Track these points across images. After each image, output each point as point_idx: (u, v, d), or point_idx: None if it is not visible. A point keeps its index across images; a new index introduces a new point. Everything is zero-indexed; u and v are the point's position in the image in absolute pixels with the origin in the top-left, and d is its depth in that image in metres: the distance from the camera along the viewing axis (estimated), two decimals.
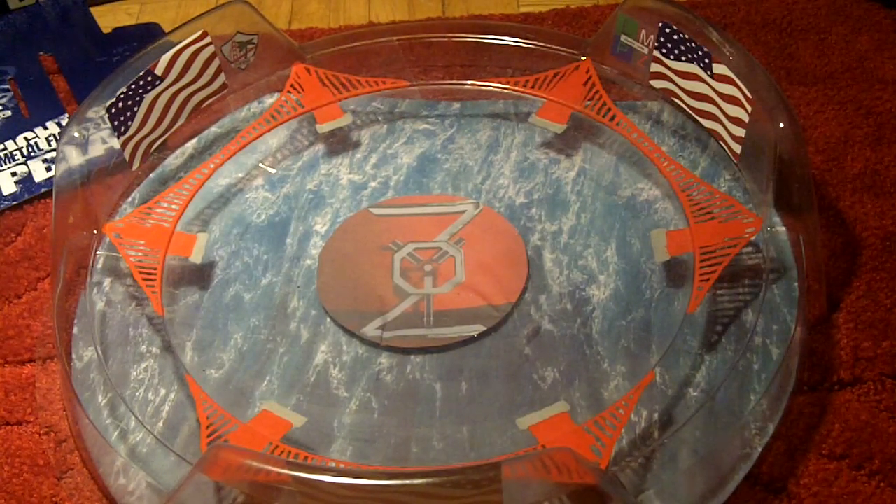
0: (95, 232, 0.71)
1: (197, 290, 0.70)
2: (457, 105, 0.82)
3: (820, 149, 0.77)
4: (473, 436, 0.61)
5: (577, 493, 0.54)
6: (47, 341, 0.68)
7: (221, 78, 0.77)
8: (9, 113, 0.85)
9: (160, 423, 0.62)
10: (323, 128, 0.78)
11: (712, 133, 0.72)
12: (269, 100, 0.83)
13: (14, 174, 0.80)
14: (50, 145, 0.82)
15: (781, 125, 0.63)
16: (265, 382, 0.64)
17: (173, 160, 0.80)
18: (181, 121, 0.76)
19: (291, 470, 0.49)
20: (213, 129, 0.82)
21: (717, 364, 0.63)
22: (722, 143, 0.71)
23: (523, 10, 0.94)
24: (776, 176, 0.64)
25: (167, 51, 0.72)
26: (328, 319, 0.68)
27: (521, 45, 0.81)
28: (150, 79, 0.71)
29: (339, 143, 0.80)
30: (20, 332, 0.69)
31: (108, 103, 0.69)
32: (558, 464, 0.50)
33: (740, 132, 0.67)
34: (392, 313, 0.67)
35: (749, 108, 0.65)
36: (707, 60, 0.68)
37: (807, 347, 0.63)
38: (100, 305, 0.69)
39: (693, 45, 0.69)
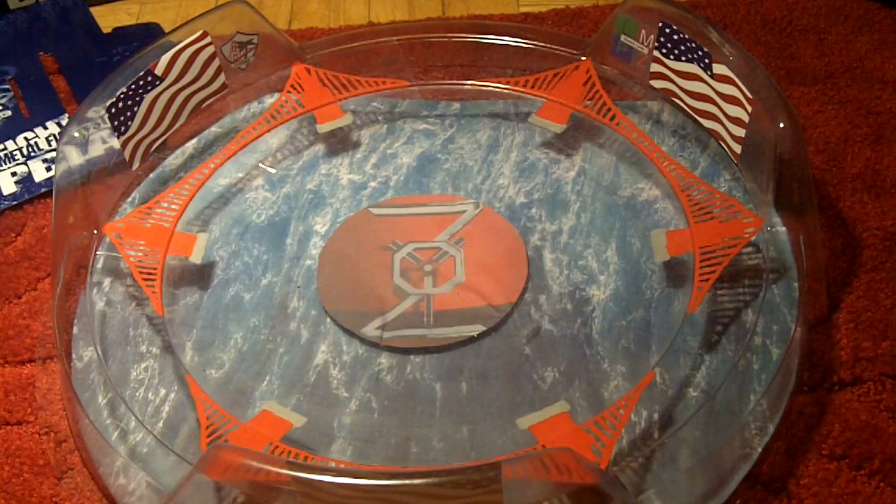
0: (95, 232, 0.71)
1: (197, 290, 0.70)
2: (457, 105, 0.82)
3: (820, 149, 0.77)
4: (473, 436, 0.61)
5: (577, 493, 0.54)
6: (47, 341, 0.68)
7: (221, 78, 0.77)
8: (9, 113, 0.85)
9: (160, 423, 0.62)
10: (323, 128, 0.78)
11: (712, 133, 0.72)
12: (269, 100, 0.83)
13: (14, 174, 0.80)
14: (50, 145, 0.82)
15: (781, 125, 0.63)
16: (265, 382, 0.64)
17: (173, 160, 0.80)
18: (181, 121, 0.76)
19: (291, 470, 0.49)
20: (213, 129, 0.82)
21: (717, 364, 0.63)
22: (722, 143, 0.71)
23: (523, 10, 0.94)
24: (776, 176, 0.64)
25: (167, 51, 0.72)
26: (328, 319, 0.68)
27: (521, 45, 0.81)
28: (150, 79, 0.71)
29: (339, 143, 0.80)
30: (20, 332, 0.69)
31: (108, 103, 0.69)
32: (558, 464, 0.50)
33: (740, 132, 0.67)
34: (392, 313, 0.67)
35: (749, 108, 0.65)
36: (707, 60, 0.68)
37: (807, 347, 0.63)
38: (100, 305, 0.69)
39: (693, 45, 0.69)
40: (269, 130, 0.77)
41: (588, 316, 0.66)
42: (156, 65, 0.71)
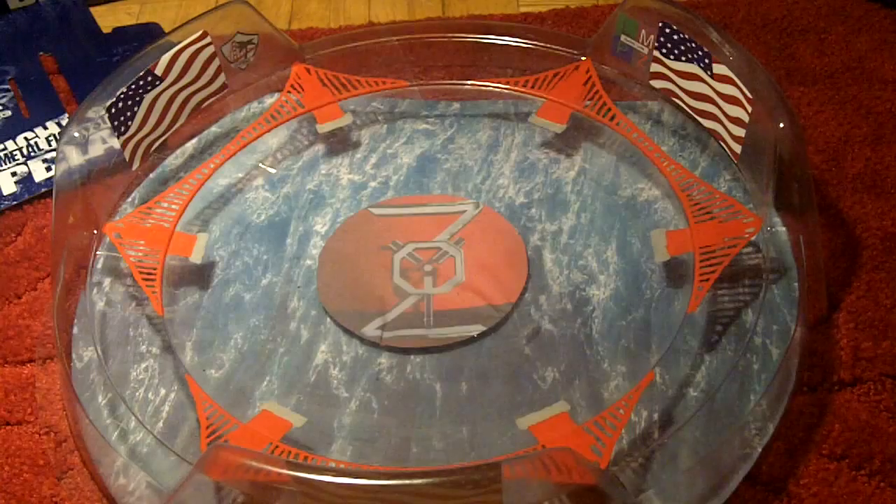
0: (95, 232, 0.71)
1: (197, 290, 0.70)
2: (457, 105, 0.82)
3: (820, 149, 0.77)
4: (473, 436, 0.61)
5: (577, 493, 0.54)
6: (47, 341, 0.68)
7: (221, 78, 0.77)
8: (9, 113, 0.85)
9: (160, 423, 0.62)
10: (323, 128, 0.78)
11: (712, 133, 0.72)
12: (269, 100, 0.83)
13: (14, 174, 0.80)
14: (50, 145, 0.82)
15: (781, 125, 0.63)
16: (265, 382, 0.64)
17: (173, 160, 0.80)
18: (181, 121, 0.76)
19: (291, 470, 0.49)
20: (213, 129, 0.82)
21: (717, 364, 0.63)
22: (722, 143, 0.71)
23: (523, 10, 0.94)
24: (776, 176, 0.64)
25: (167, 51, 0.72)
26: (328, 319, 0.68)
27: (521, 45, 0.81)
28: (150, 79, 0.71)
29: (339, 143, 0.80)
30: (20, 332, 0.69)
31: (108, 103, 0.69)
32: (558, 464, 0.50)
33: (740, 132, 0.67)
34: (392, 313, 0.67)
35: (749, 108, 0.65)
36: (707, 60, 0.68)
37: (807, 347, 0.63)
38: (100, 305, 0.69)
39: (693, 45, 0.69)
40: (269, 130, 0.77)
41: (588, 316, 0.66)
42: (156, 65, 0.71)
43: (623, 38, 0.76)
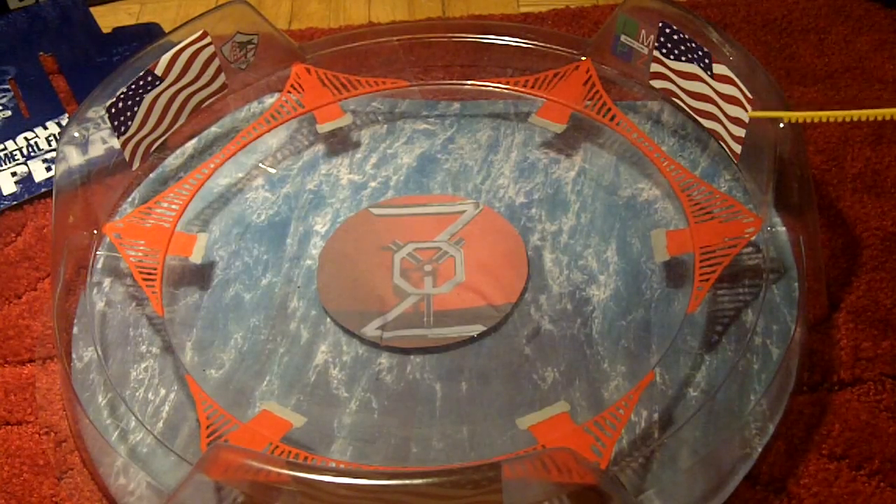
0: (95, 232, 0.71)
1: (197, 290, 0.70)
2: (457, 105, 0.82)
3: (820, 149, 0.77)
4: (473, 436, 0.61)
5: (577, 493, 0.54)
6: (47, 341, 0.68)
7: (221, 78, 0.77)
8: (9, 113, 0.85)
9: (160, 423, 0.62)
10: (323, 128, 0.78)
11: (712, 133, 0.72)
12: (269, 100, 0.83)
13: (14, 174, 0.80)
14: (50, 145, 0.82)
15: (781, 125, 0.63)
16: (265, 382, 0.64)
17: (173, 160, 0.80)
18: (181, 121, 0.76)
19: (291, 470, 0.49)
20: (213, 129, 0.82)
21: (717, 364, 0.63)
22: (722, 143, 0.71)
23: (523, 10, 0.94)
24: (776, 176, 0.64)
25: (167, 51, 0.72)
26: (328, 319, 0.68)
27: (521, 45, 0.81)
28: (150, 79, 0.71)
29: (339, 143, 0.80)
30: (20, 332, 0.69)
31: (108, 103, 0.69)
32: (558, 464, 0.50)
33: (740, 132, 0.67)
34: (392, 313, 0.67)
35: (749, 108, 0.65)
36: (707, 60, 0.68)
37: (807, 347, 0.63)
38: (100, 305, 0.69)
39: (693, 45, 0.69)
40: (269, 130, 0.77)
41: (588, 316, 0.66)
42: (156, 65, 0.71)
43: (623, 38, 0.76)
